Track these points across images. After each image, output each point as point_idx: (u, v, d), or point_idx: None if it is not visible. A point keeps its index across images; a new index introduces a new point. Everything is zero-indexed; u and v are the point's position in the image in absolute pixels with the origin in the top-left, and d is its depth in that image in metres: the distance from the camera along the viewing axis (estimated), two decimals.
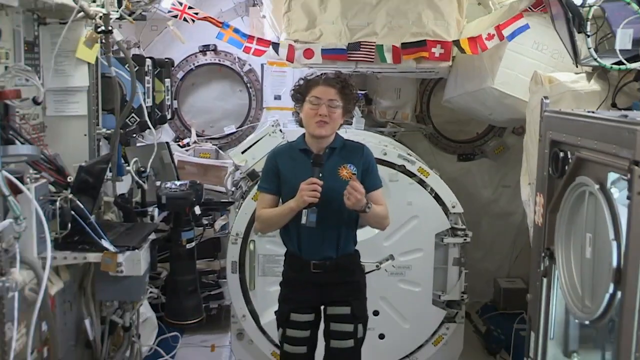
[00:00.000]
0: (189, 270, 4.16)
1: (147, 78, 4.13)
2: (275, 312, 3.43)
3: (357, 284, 3.36)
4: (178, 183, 4.20)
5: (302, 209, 3.05)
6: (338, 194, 3.07)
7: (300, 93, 3.25)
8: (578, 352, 2.75)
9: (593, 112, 2.63)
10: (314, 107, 3.15)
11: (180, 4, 4.45)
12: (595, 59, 3.32)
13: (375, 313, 4.30)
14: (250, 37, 4.56)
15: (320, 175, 3.10)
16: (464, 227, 4.35)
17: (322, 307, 3.34)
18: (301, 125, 3.31)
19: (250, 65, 6.21)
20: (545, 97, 2.97)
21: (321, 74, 3.29)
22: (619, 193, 2.23)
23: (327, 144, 3.22)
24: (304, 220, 3.05)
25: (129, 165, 3.96)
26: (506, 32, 4.25)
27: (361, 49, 4.49)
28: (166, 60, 4.67)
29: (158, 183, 4.26)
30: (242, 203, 4.32)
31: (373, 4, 4.55)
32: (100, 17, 3.49)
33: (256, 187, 4.11)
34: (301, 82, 3.28)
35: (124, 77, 3.80)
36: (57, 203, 2.94)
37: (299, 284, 3.31)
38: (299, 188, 3.04)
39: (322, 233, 3.17)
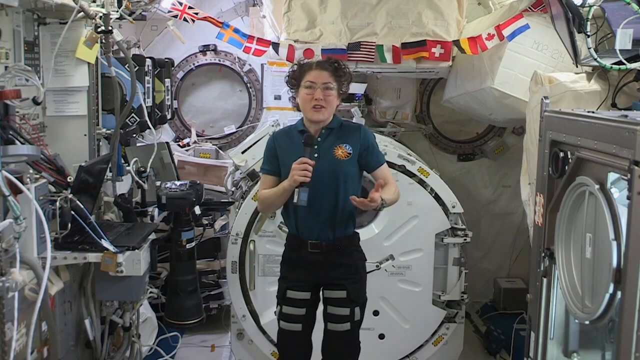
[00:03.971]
0: (189, 270, 4.16)
1: (147, 78, 4.12)
2: (275, 311, 3.44)
3: (355, 267, 3.38)
4: (178, 183, 4.20)
5: (294, 188, 3.10)
6: (333, 174, 3.16)
7: (294, 78, 3.31)
8: (578, 352, 2.75)
9: (593, 112, 2.63)
10: (309, 92, 3.21)
11: (180, 4, 4.45)
12: (595, 59, 3.33)
13: (375, 313, 4.30)
14: (250, 37, 4.57)
15: (316, 155, 3.16)
16: (464, 227, 4.35)
17: (320, 288, 3.37)
18: (299, 110, 3.35)
19: (250, 65, 6.20)
20: (545, 97, 2.97)
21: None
22: (619, 193, 2.23)
23: (324, 124, 3.28)
24: (295, 199, 3.10)
25: (129, 165, 3.96)
26: (506, 32, 4.25)
27: (361, 49, 4.49)
28: (166, 60, 4.66)
29: (158, 183, 4.26)
30: (242, 203, 4.32)
31: (373, 4, 4.55)
32: (100, 17, 3.49)
33: (256, 187, 4.11)
34: (295, 67, 3.35)
35: (124, 77, 3.80)
36: (57, 203, 2.94)
37: (296, 262, 3.35)
38: (291, 168, 3.10)
39: (318, 213, 3.23)
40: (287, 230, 3.46)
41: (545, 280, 2.82)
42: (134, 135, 4.14)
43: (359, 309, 3.33)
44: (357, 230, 3.45)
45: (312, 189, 3.09)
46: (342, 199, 3.20)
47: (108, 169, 3.74)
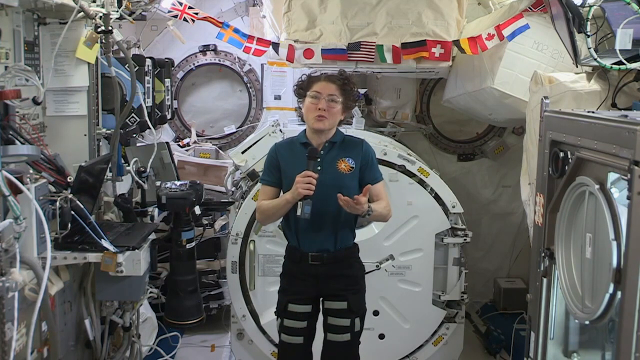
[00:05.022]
0: (189, 270, 4.16)
1: (147, 78, 4.12)
2: (275, 312, 3.45)
3: (355, 278, 3.39)
4: (178, 183, 4.20)
5: (297, 201, 3.11)
6: (336, 187, 3.16)
7: (302, 88, 3.34)
8: (578, 352, 2.75)
9: (593, 112, 2.63)
10: (314, 102, 3.24)
11: (180, 4, 4.45)
12: (595, 59, 3.33)
13: (375, 313, 4.30)
14: (250, 37, 4.56)
15: (319, 168, 3.18)
16: (464, 227, 4.36)
17: (320, 299, 3.38)
18: (303, 121, 3.37)
19: (250, 65, 6.20)
20: (545, 97, 2.97)
21: (322, 74, 3.37)
22: (619, 193, 2.23)
23: (327, 138, 3.30)
24: (298, 212, 3.12)
25: (129, 165, 3.96)
26: (506, 32, 4.24)
27: (361, 49, 4.48)
28: (166, 60, 4.66)
29: (158, 183, 4.26)
30: (242, 203, 4.32)
31: (373, 4, 4.54)
32: (100, 17, 3.49)
33: (256, 187, 4.11)
34: (304, 77, 3.38)
35: (124, 77, 3.80)
36: (57, 203, 2.93)
37: (297, 275, 3.36)
38: (295, 180, 3.11)
39: (320, 225, 3.24)
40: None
41: (545, 280, 2.82)
42: (134, 135, 4.14)
43: (359, 319, 3.35)
44: (357, 230, 3.45)
45: (314, 202, 3.10)
46: (344, 211, 3.17)
47: (108, 169, 3.74)
